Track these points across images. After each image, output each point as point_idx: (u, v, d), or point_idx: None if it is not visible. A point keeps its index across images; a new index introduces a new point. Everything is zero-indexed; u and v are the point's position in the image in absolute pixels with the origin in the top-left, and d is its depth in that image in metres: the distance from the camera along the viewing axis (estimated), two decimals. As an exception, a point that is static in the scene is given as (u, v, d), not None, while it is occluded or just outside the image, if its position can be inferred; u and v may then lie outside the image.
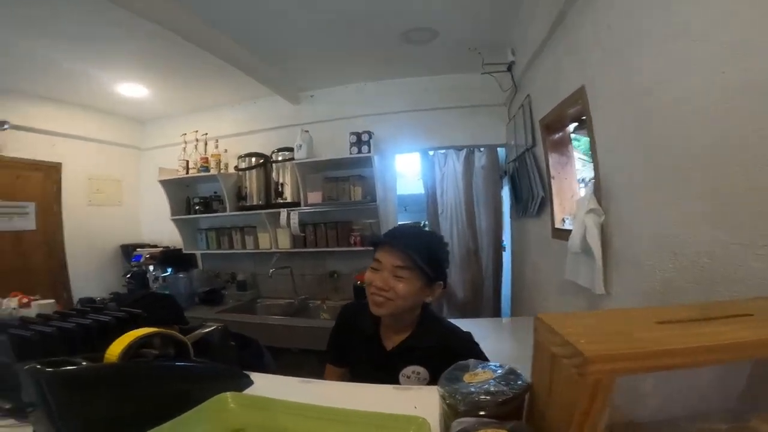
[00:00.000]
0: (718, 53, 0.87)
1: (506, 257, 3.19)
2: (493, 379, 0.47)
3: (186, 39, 2.17)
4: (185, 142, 3.42)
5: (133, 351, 0.59)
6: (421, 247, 1.08)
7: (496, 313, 3.03)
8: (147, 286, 3.45)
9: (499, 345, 1.83)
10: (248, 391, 0.73)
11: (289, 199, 3.17)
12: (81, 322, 0.69)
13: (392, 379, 1.09)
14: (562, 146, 2.01)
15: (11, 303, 2.06)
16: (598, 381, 0.33)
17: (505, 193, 3.08)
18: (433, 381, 1.07)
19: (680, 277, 1.07)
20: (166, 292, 2.86)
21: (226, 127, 3.57)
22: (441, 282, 1.14)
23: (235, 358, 0.82)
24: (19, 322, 0.71)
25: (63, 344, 0.66)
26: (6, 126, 2.86)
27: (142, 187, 3.97)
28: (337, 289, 3.32)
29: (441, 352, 1.08)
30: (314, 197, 3.06)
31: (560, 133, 2.01)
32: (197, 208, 3.54)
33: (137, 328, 0.74)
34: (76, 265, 3.40)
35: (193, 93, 3.32)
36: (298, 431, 0.57)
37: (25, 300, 2.09)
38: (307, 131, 3.12)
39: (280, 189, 3.19)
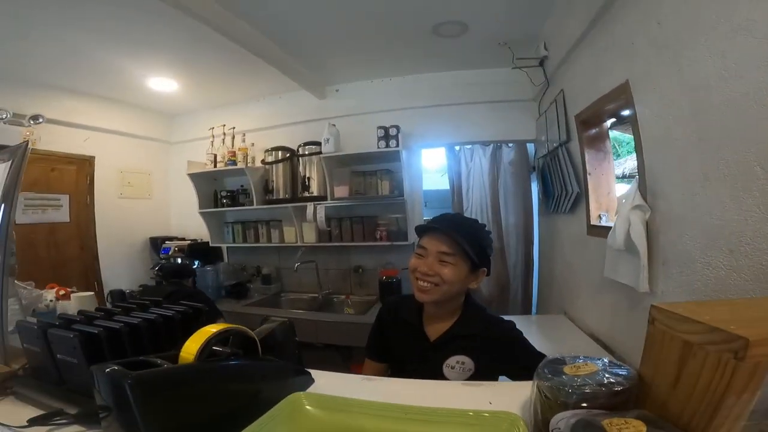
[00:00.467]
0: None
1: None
2: (600, 370, 0.47)
3: (217, 31, 2.18)
4: (213, 136, 3.47)
5: (208, 349, 0.57)
6: (465, 233, 1.09)
7: (526, 310, 3.00)
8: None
9: (532, 342, 1.82)
10: (312, 389, 0.71)
11: (315, 193, 3.19)
12: (146, 317, 0.67)
13: (436, 369, 1.10)
14: (599, 142, 1.97)
15: (48, 295, 2.06)
16: (758, 364, 0.33)
17: (533, 189, 3.04)
18: (477, 371, 1.08)
19: (736, 274, 1.04)
20: (195, 288, 2.92)
21: (253, 121, 3.61)
22: (485, 268, 1.15)
23: (297, 355, 0.82)
24: (80, 317, 0.67)
25: (130, 341, 0.63)
26: (41, 120, 2.94)
27: (170, 180, 4.04)
28: (361, 284, 3.34)
29: (485, 342, 1.10)
30: (341, 191, 3.08)
31: (597, 129, 1.98)
32: (224, 201, 3.59)
33: (199, 321, 0.73)
34: (107, 257, 3.48)
35: (221, 87, 3.36)
36: None
37: (62, 292, 2.10)
38: (334, 125, 3.13)
39: (306, 183, 3.21)
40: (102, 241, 3.46)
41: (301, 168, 3.27)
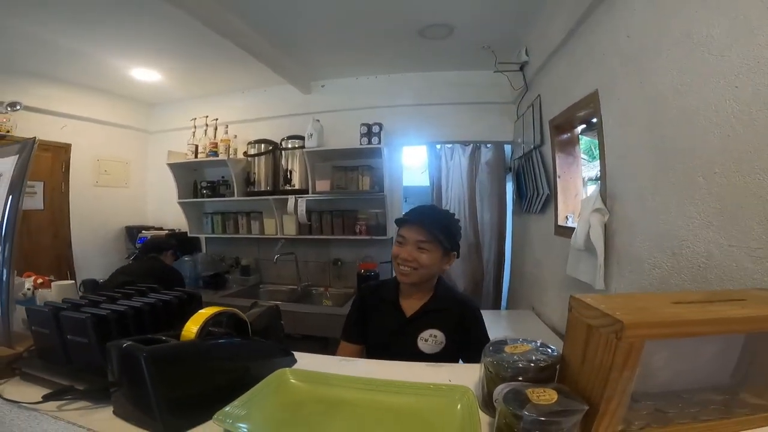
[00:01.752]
0: (734, 68, 0.94)
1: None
2: (532, 350, 0.55)
3: (206, 25, 2.20)
4: (195, 127, 3.45)
5: (206, 329, 0.63)
6: (438, 223, 1.27)
7: (496, 305, 3.13)
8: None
9: (497, 334, 1.94)
10: (296, 368, 0.78)
11: (297, 187, 3.23)
12: (148, 301, 0.72)
13: (411, 342, 1.24)
14: (570, 147, 2.09)
15: (27, 283, 2.03)
16: (632, 344, 0.41)
17: (509, 189, 3.16)
18: (446, 344, 1.23)
19: (677, 275, 1.16)
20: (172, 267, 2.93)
21: (237, 113, 3.61)
22: (455, 252, 1.32)
23: (282, 338, 0.88)
24: (86, 301, 0.72)
25: (134, 323, 0.68)
26: (18, 107, 2.87)
27: (149, 169, 4.00)
28: (340, 277, 3.41)
29: (455, 317, 1.27)
30: (322, 185, 3.12)
31: (569, 134, 2.09)
32: (204, 192, 3.58)
33: (193, 306, 0.79)
34: (81, 245, 3.44)
35: (205, 78, 3.35)
36: (353, 401, 0.63)
37: (41, 280, 2.07)
38: (318, 120, 3.17)
39: (288, 176, 3.24)
40: (76, 230, 3.41)
41: (283, 161, 3.30)
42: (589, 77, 1.72)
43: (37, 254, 3.13)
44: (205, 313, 0.64)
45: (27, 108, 2.91)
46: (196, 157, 3.44)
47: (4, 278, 0.66)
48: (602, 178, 1.58)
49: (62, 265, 3.32)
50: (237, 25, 2.41)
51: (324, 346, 2.91)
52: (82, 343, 0.63)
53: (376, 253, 3.21)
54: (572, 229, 1.76)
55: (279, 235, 3.35)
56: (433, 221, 1.26)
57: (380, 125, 3.00)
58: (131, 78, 3.22)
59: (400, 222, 1.31)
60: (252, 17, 2.38)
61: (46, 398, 0.57)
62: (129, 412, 0.56)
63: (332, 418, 0.61)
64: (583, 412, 0.43)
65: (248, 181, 3.40)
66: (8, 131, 2.88)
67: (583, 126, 2.10)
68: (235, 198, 3.39)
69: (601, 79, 1.62)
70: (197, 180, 3.65)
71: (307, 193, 3.19)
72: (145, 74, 3.18)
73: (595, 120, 1.81)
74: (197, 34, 2.36)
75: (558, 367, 0.54)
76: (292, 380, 0.68)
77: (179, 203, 3.57)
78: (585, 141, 2.50)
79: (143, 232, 3.69)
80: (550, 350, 0.56)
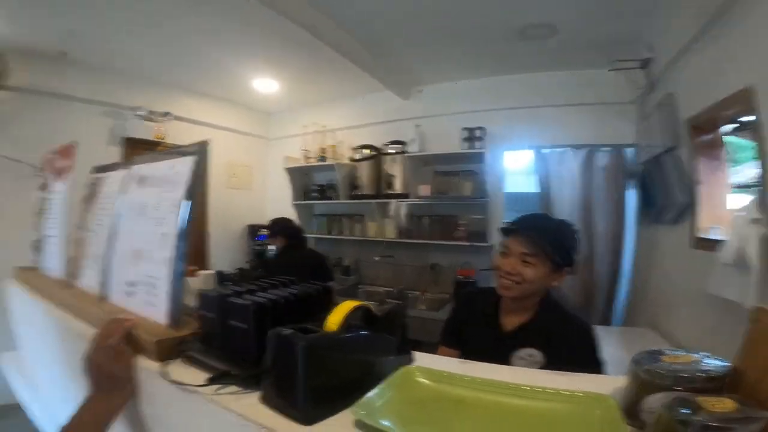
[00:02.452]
0: None
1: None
2: (696, 360, 0.50)
3: (310, 32, 2.36)
4: (306, 133, 3.76)
5: (347, 322, 0.65)
6: (548, 235, 1.13)
7: (607, 321, 2.84)
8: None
9: (612, 352, 1.74)
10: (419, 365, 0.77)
11: (398, 191, 3.32)
12: (293, 292, 0.77)
13: (504, 360, 1.11)
14: (713, 149, 1.82)
15: None
16: None
17: (629, 196, 2.85)
18: (547, 366, 1.08)
19: None
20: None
21: (342, 120, 3.85)
22: (568, 268, 1.17)
23: (403, 335, 0.90)
24: (245, 289, 0.77)
25: (286, 311, 0.72)
26: (170, 116, 3.42)
27: (268, 173, 4.46)
28: (437, 282, 3.40)
29: (558, 338, 1.11)
30: (423, 190, 3.16)
31: (711, 135, 1.82)
32: (314, 194, 3.88)
33: (327, 298, 0.85)
34: (215, 241, 3.96)
35: (314, 86, 3.63)
36: (478, 402, 0.61)
37: (191, 269, 2.44)
38: (419, 125, 3.23)
39: (390, 180, 3.35)
40: (212, 227, 3.94)
41: (385, 166, 3.42)
42: (739, 72, 1.48)
43: None
44: (346, 306, 0.67)
45: (177, 117, 3.46)
46: (307, 162, 3.74)
47: (180, 269, 0.76)
48: (763, 185, 1.34)
49: (200, 258, 3.84)
50: (336, 32, 2.55)
51: (417, 349, 2.92)
52: (241, 329, 0.68)
53: (475, 260, 3.14)
54: (717, 242, 1.52)
55: (379, 238, 3.47)
56: (542, 232, 1.14)
57: (483, 129, 2.94)
58: (253, 88, 3.63)
59: (505, 231, 1.20)
60: (349, 24, 2.50)
61: (211, 381, 0.62)
62: (273, 399, 0.58)
63: (458, 417, 0.61)
64: (765, 421, 0.38)
65: (353, 185, 3.59)
66: (163, 138, 3.44)
67: (730, 126, 1.80)
68: (341, 201, 3.60)
69: (756, 73, 1.38)
70: (308, 183, 3.97)
71: (408, 198, 3.25)
72: (265, 84, 3.55)
73: (747, 118, 1.55)
74: (304, 43, 2.54)
75: (727, 379, 0.47)
76: (418, 377, 0.69)
77: (294, 205, 3.92)
78: (732, 142, 2.15)
79: (261, 230, 4.12)
80: (718, 362, 0.49)
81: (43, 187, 1.47)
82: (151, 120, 3.31)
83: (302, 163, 3.78)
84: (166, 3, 2.24)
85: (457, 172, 3.13)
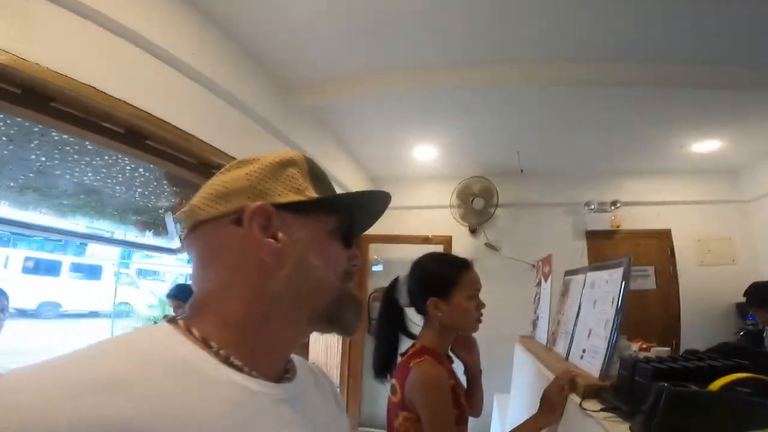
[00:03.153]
0: None
1: None
2: None
3: None
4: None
5: (731, 386, 0.74)
6: None
7: None
8: (761, 345, 3.06)
9: None
10: None
11: None
12: (698, 364, 0.94)
13: None
14: None
15: (633, 346, 2.59)
16: None
17: None
18: None
19: None
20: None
21: None
22: None
23: None
24: (662, 359, 1.02)
25: (683, 376, 0.87)
26: (618, 204, 3.65)
27: (755, 242, 3.60)
28: None
29: None
30: None
31: None
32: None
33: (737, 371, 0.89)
34: (687, 319, 3.61)
35: None
36: None
37: (644, 346, 2.55)
38: None
39: None
40: (684, 305, 3.64)
41: None
42: None
43: (648, 324, 3.62)
44: (734, 375, 0.76)
45: (624, 203, 3.65)
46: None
47: (614, 338, 1.14)
48: None
49: (669, 335, 3.62)
50: None
51: None
52: (641, 383, 0.91)
53: None
54: None
55: None
56: None
57: None
58: (694, 152, 3.25)
59: None
60: None
61: (602, 409, 0.95)
62: (636, 427, 0.80)
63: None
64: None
65: None
66: (618, 226, 3.73)
67: None
68: None
69: None
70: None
71: None
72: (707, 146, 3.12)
73: None
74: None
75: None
76: None
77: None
78: None
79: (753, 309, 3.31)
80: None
81: (538, 283, 2.29)
82: (603, 211, 3.71)
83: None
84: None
85: None
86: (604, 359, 1.15)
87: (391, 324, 1.32)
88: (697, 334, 3.59)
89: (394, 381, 1.20)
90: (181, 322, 0.46)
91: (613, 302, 1.21)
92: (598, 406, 0.99)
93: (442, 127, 2.97)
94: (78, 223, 3.24)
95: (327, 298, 0.52)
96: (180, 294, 3.12)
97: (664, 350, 2.54)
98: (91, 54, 1.31)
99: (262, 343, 0.48)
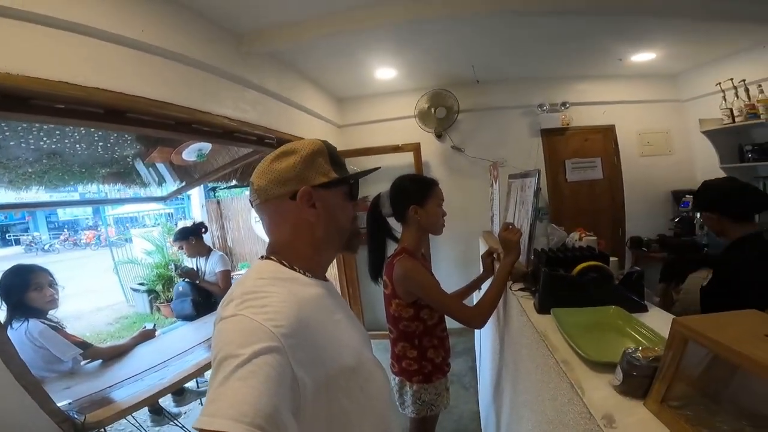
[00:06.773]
0: None
1: None
2: None
3: None
4: (723, 91, 3.08)
5: (585, 272, 1.19)
6: None
7: None
8: (692, 232, 3.60)
9: None
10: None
11: None
12: (569, 254, 1.35)
13: None
14: None
15: (574, 236, 2.96)
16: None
17: None
18: None
19: None
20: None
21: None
22: None
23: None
24: (548, 251, 1.45)
25: (561, 263, 1.29)
26: (567, 105, 3.91)
27: (689, 136, 3.95)
28: None
29: None
30: None
31: None
32: (750, 156, 3.16)
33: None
34: (632, 208, 4.10)
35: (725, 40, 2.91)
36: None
37: (583, 235, 2.92)
38: None
39: None
40: (628, 194, 4.11)
41: None
42: None
43: (598, 214, 4.12)
44: (589, 263, 1.20)
45: (573, 104, 3.92)
46: (733, 121, 3.09)
47: (533, 233, 1.64)
48: None
49: (614, 223, 4.15)
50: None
51: None
52: (539, 269, 1.34)
53: None
54: None
55: None
56: None
57: None
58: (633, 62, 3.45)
59: None
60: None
61: (521, 290, 1.58)
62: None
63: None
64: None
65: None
66: (568, 124, 3.98)
67: None
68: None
69: None
70: (741, 144, 3.26)
71: None
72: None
73: None
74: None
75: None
76: (615, 317, 1.05)
77: (722, 168, 3.39)
78: None
79: (686, 196, 3.79)
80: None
81: (491, 185, 2.69)
82: (555, 111, 3.94)
83: (726, 123, 3.15)
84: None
85: None
86: (526, 250, 1.56)
87: (379, 230, 1.63)
88: (640, 221, 4.09)
89: (385, 277, 1.57)
90: (273, 258, 0.80)
91: (531, 204, 1.57)
92: (520, 287, 1.44)
93: (400, 51, 3.05)
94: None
95: (346, 235, 0.88)
96: (183, 236, 3.42)
97: (592, 239, 3.03)
98: (56, 55, 1.43)
99: (318, 262, 0.85)
